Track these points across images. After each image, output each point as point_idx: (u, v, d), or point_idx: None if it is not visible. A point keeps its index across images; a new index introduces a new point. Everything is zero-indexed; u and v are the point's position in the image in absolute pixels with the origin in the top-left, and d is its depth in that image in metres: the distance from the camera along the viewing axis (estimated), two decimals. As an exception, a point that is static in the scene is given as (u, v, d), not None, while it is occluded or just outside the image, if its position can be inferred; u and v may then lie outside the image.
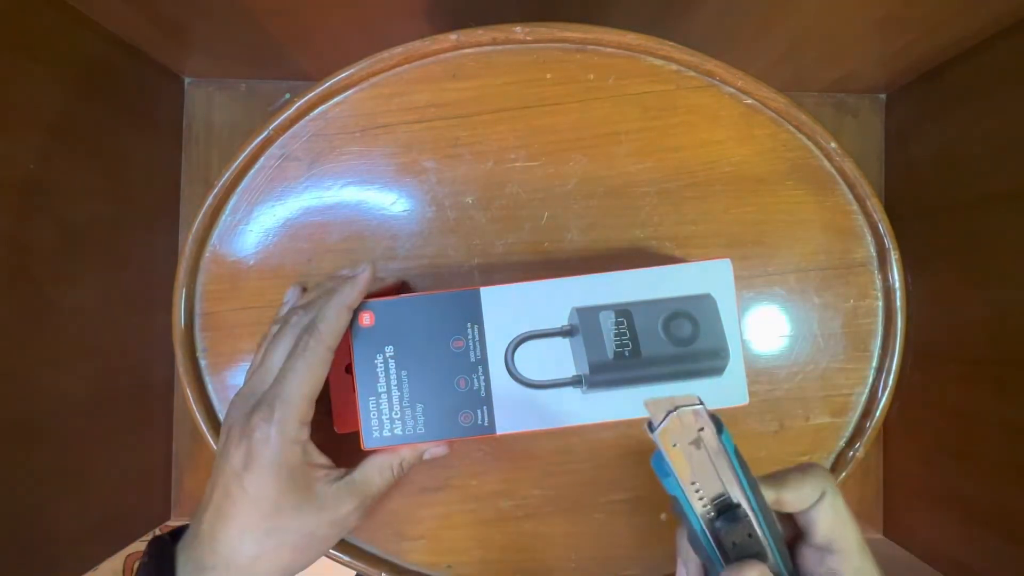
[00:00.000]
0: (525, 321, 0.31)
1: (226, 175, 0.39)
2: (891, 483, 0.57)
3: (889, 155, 0.60)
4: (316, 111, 0.39)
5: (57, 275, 0.43)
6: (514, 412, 0.31)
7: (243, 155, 0.38)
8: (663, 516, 0.39)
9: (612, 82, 0.39)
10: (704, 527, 0.24)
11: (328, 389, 0.35)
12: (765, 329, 0.40)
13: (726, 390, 0.31)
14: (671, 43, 0.38)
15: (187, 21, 0.49)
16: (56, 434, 0.43)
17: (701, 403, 0.22)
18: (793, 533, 0.27)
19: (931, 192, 0.54)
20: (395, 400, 0.31)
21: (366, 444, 0.31)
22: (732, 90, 0.39)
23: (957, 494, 0.49)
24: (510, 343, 0.31)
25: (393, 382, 0.31)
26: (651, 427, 0.22)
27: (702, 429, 0.22)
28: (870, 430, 0.40)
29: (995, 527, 0.45)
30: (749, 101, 0.39)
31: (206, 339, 0.39)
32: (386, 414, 0.31)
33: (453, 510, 0.39)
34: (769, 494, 0.25)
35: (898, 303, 0.40)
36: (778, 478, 0.26)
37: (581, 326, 0.31)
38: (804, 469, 0.26)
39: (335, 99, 0.39)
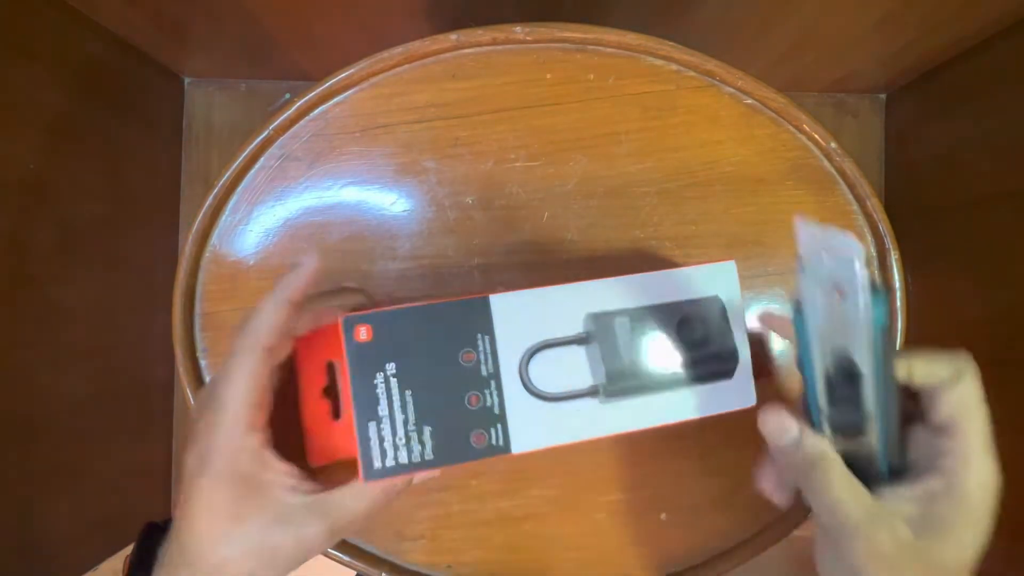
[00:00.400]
0: (537, 329, 0.29)
1: (226, 175, 0.39)
2: (891, 483, 0.57)
3: (889, 155, 0.61)
4: (316, 111, 0.39)
5: (57, 275, 0.43)
6: (530, 429, 0.28)
7: (243, 155, 0.38)
8: (663, 516, 0.39)
9: (612, 82, 0.39)
10: (817, 374, 0.22)
11: (300, 416, 0.31)
12: (766, 329, 0.40)
13: (734, 392, 0.30)
14: (671, 43, 0.38)
15: (187, 21, 0.49)
16: (56, 434, 0.43)
17: (861, 252, 0.21)
18: (908, 416, 0.24)
19: (931, 192, 0.54)
20: (399, 424, 0.27)
21: (366, 478, 0.27)
22: (732, 90, 0.39)
23: (957, 494, 0.48)
24: (524, 353, 0.28)
25: (396, 404, 0.27)
26: (802, 266, 0.22)
27: (848, 288, 0.21)
28: (870, 430, 0.40)
29: (995, 527, 0.45)
30: (749, 101, 0.39)
31: (206, 339, 0.39)
32: (388, 440, 0.27)
33: (453, 510, 0.38)
34: (901, 364, 0.23)
35: (898, 303, 0.40)
36: (917, 352, 0.23)
37: (596, 332, 0.29)
38: (950, 350, 0.23)
39: (335, 99, 0.39)
